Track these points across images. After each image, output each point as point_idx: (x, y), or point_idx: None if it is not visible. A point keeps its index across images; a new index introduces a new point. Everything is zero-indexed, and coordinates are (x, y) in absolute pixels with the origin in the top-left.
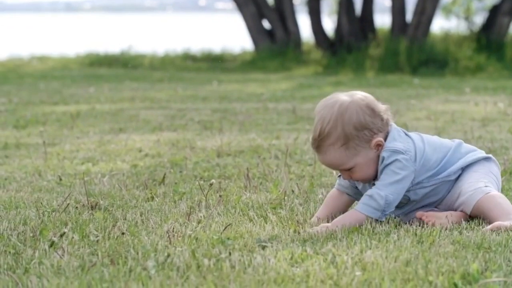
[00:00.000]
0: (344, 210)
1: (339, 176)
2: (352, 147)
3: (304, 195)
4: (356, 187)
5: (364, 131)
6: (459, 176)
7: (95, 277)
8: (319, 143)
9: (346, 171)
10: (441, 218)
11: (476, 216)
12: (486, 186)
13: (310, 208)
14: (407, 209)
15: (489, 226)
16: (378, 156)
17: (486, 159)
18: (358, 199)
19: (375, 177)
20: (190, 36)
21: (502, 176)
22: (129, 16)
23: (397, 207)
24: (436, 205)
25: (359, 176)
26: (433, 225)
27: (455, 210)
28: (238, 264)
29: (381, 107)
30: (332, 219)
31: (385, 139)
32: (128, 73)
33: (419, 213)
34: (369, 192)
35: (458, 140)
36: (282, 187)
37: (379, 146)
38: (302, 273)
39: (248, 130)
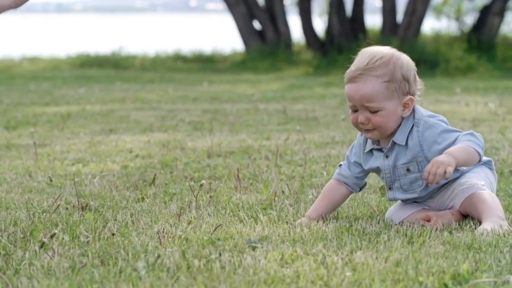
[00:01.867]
0: (341, 202)
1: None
2: (391, 89)
3: (294, 196)
4: (356, 177)
5: (406, 83)
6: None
7: (85, 278)
8: (362, 72)
9: (368, 113)
10: (444, 217)
11: (467, 215)
12: (482, 185)
13: (301, 209)
14: (409, 194)
15: (479, 229)
16: (401, 118)
17: (488, 166)
18: (356, 191)
19: (388, 135)
20: (181, 37)
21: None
22: (120, 17)
23: (403, 188)
24: (428, 198)
25: (379, 122)
26: (434, 223)
27: (446, 207)
28: (228, 264)
29: (419, 80)
30: (327, 213)
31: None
32: (119, 74)
33: (423, 214)
34: (465, 132)
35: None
36: (272, 188)
37: (407, 106)
38: (292, 273)
39: (239, 130)
